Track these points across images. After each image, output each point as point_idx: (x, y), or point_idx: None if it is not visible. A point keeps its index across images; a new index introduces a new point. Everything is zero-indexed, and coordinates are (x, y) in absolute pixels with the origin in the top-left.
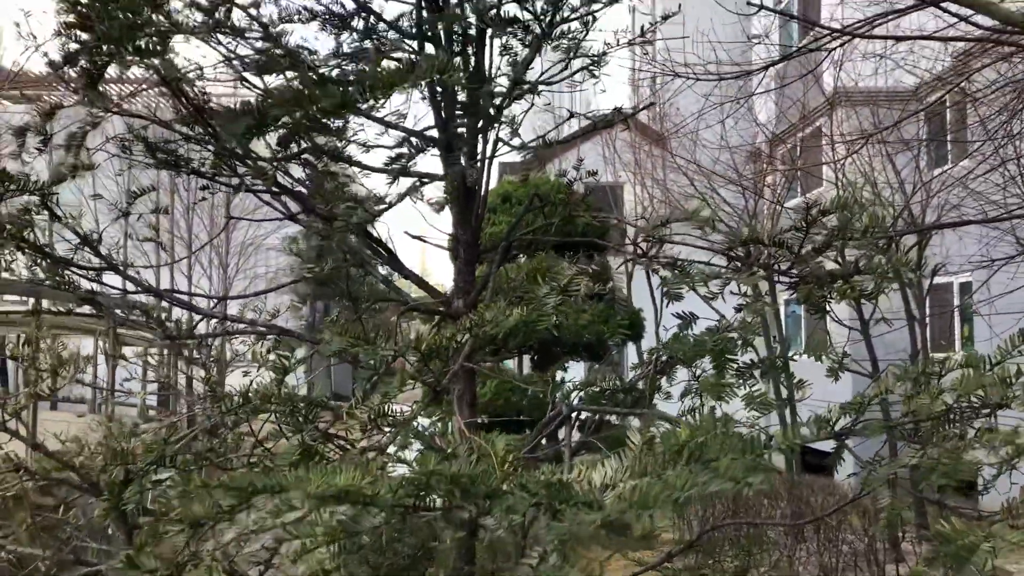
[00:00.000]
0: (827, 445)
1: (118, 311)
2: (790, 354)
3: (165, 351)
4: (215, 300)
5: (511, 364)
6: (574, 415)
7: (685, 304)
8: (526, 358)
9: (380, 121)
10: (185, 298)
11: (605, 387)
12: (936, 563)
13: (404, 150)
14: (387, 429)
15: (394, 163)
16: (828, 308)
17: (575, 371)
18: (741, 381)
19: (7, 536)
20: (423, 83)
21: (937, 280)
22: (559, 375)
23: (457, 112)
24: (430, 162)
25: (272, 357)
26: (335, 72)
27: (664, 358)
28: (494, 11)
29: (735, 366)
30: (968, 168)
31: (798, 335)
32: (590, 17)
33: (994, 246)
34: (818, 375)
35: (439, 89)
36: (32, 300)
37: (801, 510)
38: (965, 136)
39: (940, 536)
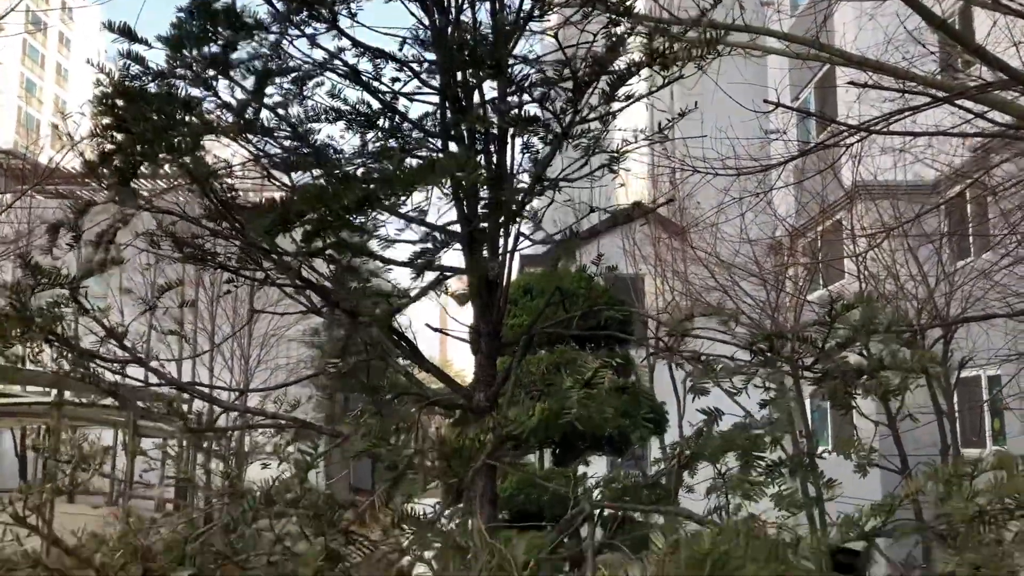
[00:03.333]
0: (858, 543)
1: (140, 403)
2: (818, 450)
3: (184, 443)
4: (236, 392)
5: (532, 458)
6: (596, 512)
7: (709, 397)
8: (547, 451)
9: (403, 216)
10: (206, 391)
11: (627, 483)
12: None
13: (428, 245)
14: (409, 530)
15: (419, 258)
16: (854, 404)
17: (597, 465)
18: (770, 480)
19: None
20: (446, 180)
21: (965, 373)
22: (581, 469)
23: (480, 208)
24: (452, 255)
25: (293, 450)
26: (360, 170)
27: (688, 453)
28: (515, 111)
29: (763, 464)
30: (991, 261)
31: (825, 430)
32: (608, 116)
33: (1021, 340)
34: (847, 471)
35: (462, 184)
36: (55, 391)
37: None
38: (987, 228)
39: None
